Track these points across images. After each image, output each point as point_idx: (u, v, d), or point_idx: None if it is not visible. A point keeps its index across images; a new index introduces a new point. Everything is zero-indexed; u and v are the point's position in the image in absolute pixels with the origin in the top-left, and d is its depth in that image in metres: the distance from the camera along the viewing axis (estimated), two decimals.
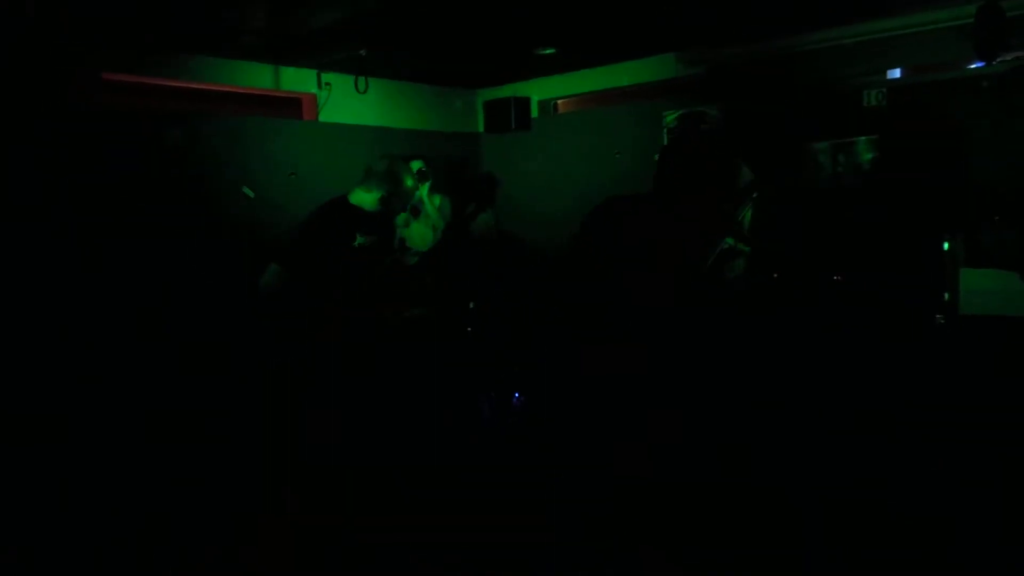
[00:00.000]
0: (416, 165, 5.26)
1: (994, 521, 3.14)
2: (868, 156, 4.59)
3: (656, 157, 2.62)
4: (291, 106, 5.77)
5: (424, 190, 5.14)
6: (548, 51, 5.36)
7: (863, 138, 4.58)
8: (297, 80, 5.59)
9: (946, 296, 4.16)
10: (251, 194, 5.06)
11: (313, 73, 5.62)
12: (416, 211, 5.15)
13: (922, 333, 4.11)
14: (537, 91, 6.48)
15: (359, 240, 3.39)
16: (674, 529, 2.94)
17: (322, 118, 5.67)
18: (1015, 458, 3.40)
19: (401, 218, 5.09)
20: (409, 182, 3.50)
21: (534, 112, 6.49)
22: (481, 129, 6.69)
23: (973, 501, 3.30)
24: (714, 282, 2.60)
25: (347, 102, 5.79)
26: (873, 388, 4.19)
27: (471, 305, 4.83)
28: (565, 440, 2.85)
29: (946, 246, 4.16)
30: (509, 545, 3.22)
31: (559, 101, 6.67)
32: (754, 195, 3.62)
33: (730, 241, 3.93)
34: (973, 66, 4.28)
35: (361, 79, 5.67)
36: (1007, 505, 3.21)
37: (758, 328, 3.75)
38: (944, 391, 3.92)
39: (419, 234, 5.35)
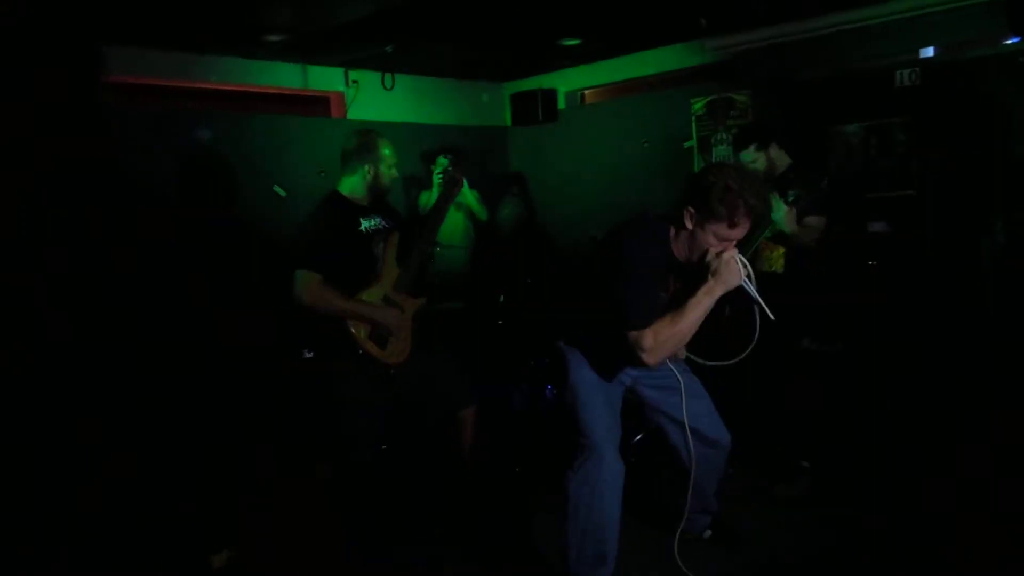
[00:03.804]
0: (443, 162, 5.28)
1: (994, 521, 3.10)
2: (902, 138, 4.50)
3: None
4: (319, 104, 5.83)
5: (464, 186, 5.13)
6: (573, 41, 5.34)
7: (896, 120, 4.50)
8: (324, 79, 5.64)
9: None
10: (283, 193, 5.13)
11: (340, 71, 5.68)
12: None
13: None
14: (563, 82, 6.46)
15: (364, 224, 3.22)
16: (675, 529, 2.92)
17: (350, 116, 5.73)
18: (1014, 458, 3.35)
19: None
20: (386, 150, 3.32)
21: (561, 104, 6.47)
22: (508, 122, 6.69)
23: (973, 501, 3.26)
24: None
25: (374, 99, 5.83)
26: (878, 387, 4.15)
27: (501, 299, 4.84)
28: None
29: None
30: (509, 545, 3.25)
31: (586, 92, 6.64)
32: (791, 199, 3.53)
33: (767, 234, 3.84)
34: (1008, 41, 4.18)
35: (388, 75, 5.71)
36: (1007, 505, 3.16)
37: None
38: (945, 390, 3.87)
39: (449, 226, 5.32)
